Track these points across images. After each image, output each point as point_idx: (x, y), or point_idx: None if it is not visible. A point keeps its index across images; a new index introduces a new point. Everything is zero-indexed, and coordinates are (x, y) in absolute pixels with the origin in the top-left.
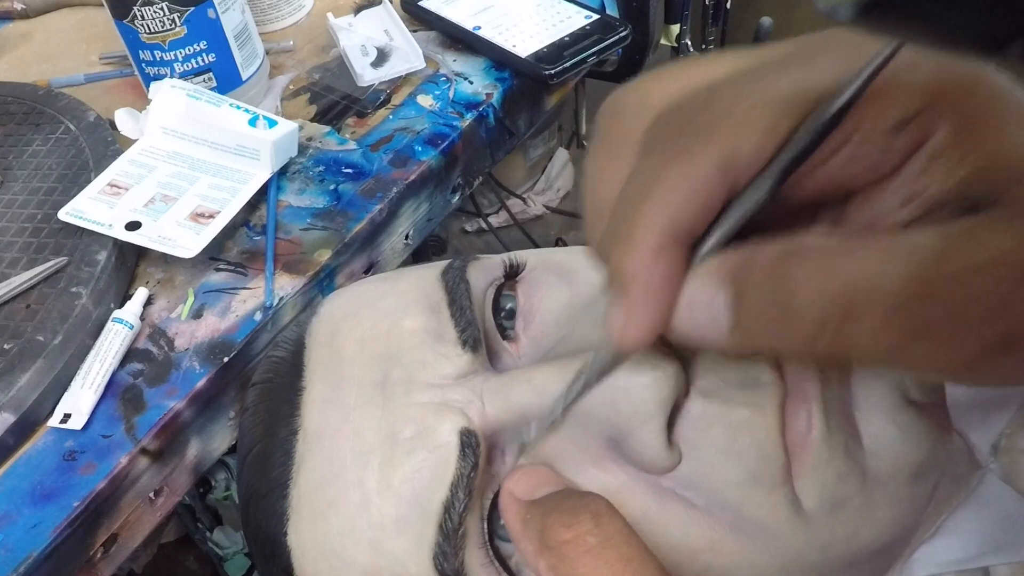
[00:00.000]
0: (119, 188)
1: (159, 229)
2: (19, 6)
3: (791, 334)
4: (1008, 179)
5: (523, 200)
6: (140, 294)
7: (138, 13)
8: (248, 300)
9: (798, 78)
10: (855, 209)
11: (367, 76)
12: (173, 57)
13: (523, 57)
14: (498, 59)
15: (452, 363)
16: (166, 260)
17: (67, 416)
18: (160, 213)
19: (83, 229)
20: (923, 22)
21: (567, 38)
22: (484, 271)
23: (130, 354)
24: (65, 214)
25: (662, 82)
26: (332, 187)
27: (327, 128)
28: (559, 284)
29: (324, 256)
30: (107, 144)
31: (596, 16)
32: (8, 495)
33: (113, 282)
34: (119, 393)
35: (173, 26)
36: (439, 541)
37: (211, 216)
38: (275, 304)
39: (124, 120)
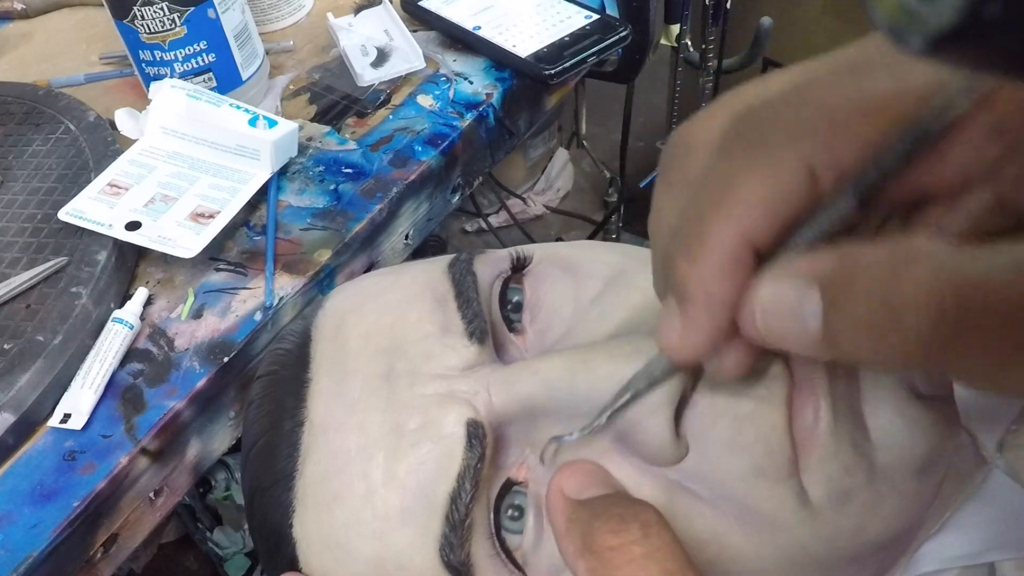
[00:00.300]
0: (119, 188)
1: (159, 229)
2: (19, 6)
3: (897, 346)
4: None
5: (523, 200)
6: (140, 294)
7: (138, 13)
8: (248, 300)
9: (893, 79)
10: (937, 214)
11: (367, 76)
12: (173, 57)
13: (523, 57)
14: (498, 59)
15: (459, 355)
16: (166, 260)
17: (67, 416)
18: (160, 213)
19: (83, 229)
20: (998, 56)
21: (567, 38)
22: (491, 264)
23: (130, 354)
24: (65, 214)
25: (716, 109)
26: (332, 187)
27: (327, 128)
28: (565, 278)
29: (324, 256)
30: (107, 144)
31: (596, 16)
32: (8, 495)
33: (113, 282)
34: (119, 393)
35: (173, 26)
36: (445, 532)
37: (211, 216)
38: (275, 304)
39: (124, 120)
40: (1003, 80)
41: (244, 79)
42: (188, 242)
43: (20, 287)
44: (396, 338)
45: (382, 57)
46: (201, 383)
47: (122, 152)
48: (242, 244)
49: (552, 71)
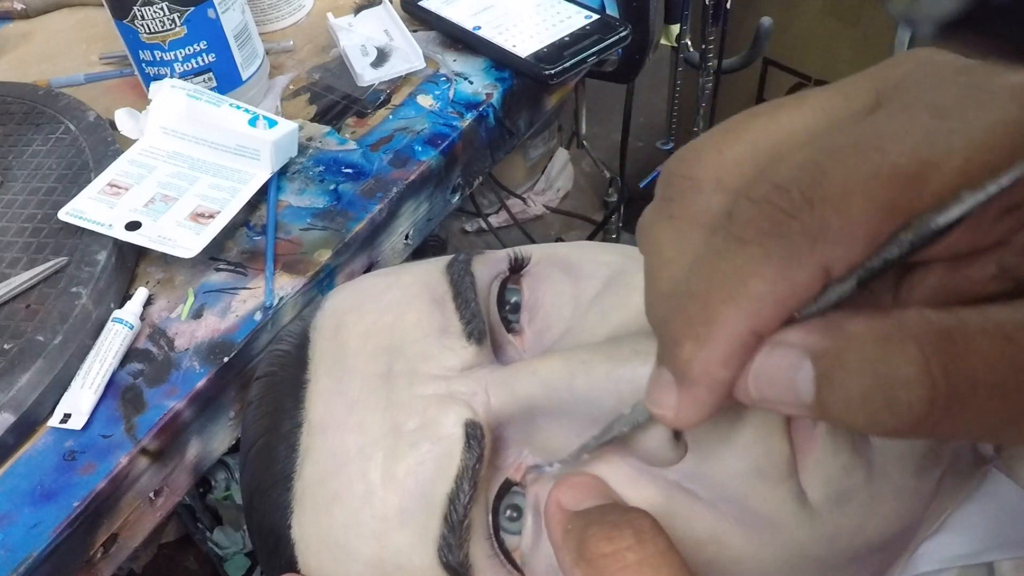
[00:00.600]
0: (119, 188)
1: (159, 229)
2: (19, 6)
3: (890, 420)
4: None
5: (523, 200)
6: (140, 294)
7: (138, 13)
8: (248, 300)
9: (906, 153)
10: (939, 273)
11: (367, 76)
12: (173, 57)
13: (523, 57)
14: (498, 59)
15: (457, 355)
16: (166, 260)
17: (67, 416)
18: (160, 213)
19: (83, 229)
20: (1007, 40)
21: (567, 38)
22: (489, 265)
23: (130, 354)
24: (65, 214)
25: (727, 143)
26: (332, 187)
27: (327, 128)
28: (563, 278)
29: (324, 256)
30: (107, 144)
31: (596, 16)
32: (8, 495)
33: (113, 282)
34: (119, 393)
35: (173, 26)
36: (444, 533)
37: (211, 216)
38: (275, 304)
39: (124, 120)
40: (1013, 66)
41: (244, 79)
42: (188, 242)
43: (20, 287)
44: (395, 338)
45: (382, 57)
46: (201, 383)
47: (122, 152)
48: (242, 244)
49: (552, 71)
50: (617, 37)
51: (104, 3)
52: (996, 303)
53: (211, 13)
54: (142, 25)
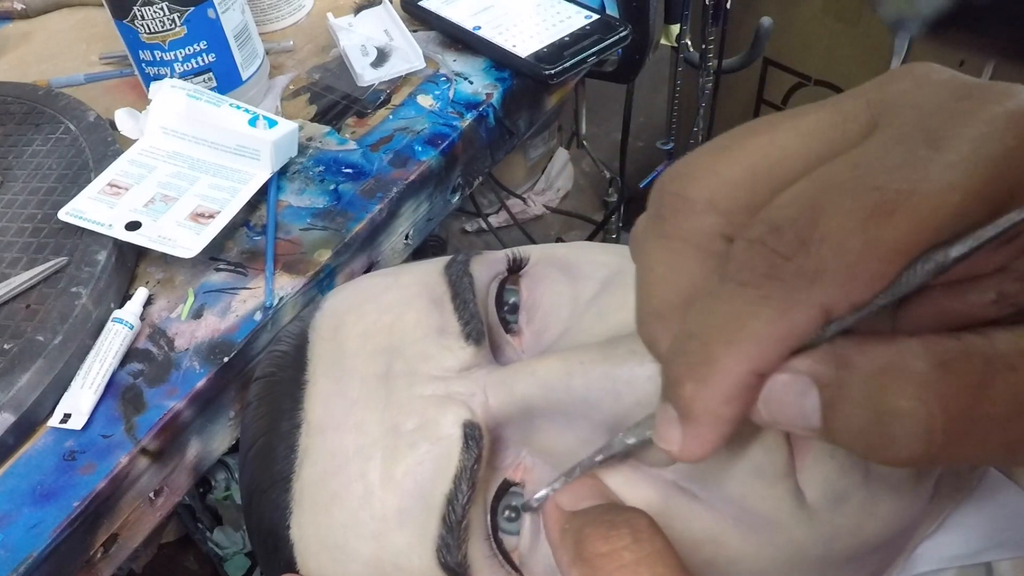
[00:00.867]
0: (119, 188)
1: (159, 229)
2: (19, 6)
3: (888, 452)
4: None
5: (523, 200)
6: (140, 294)
7: (138, 13)
8: (248, 300)
9: (903, 191)
10: (938, 298)
11: (367, 76)
12: (173, 57)
13: (523, 57)
14: (498, 59)
15: (455, 356)
16: (166, 260)
17: (67, 416)
18: (160, 213)
19: (83, 229)
20: (993, 37)
21: (567, 38)
22: (487, 265)
23: (130, 354)
24: (65, 214)
25: (722, 163)
26: (332, 187)
27: (327, 128)
28: (562, 278)
29: (324, 256)
30: (107, 144)
31: (596, 16)
32: (8, 495)
33: (113, 282)
34: (119, 393)
35: (173, 26)
36: (442, 533)
37: (211, 216)
38: (275, 304)
39: (124, 120)
40: (998, 62)
41: (244, 79)
42: (188, 242)
43: (20, 287)
44: (394, 338)
45: (382, 57)
46: (201, 383)
47: (122, 152)
48: (242, 244)
49: (552, 71)
50: (617, 37)
51: (104, 3)
52: (1000, 328)
53: (211, 13)
54: (142, 25)
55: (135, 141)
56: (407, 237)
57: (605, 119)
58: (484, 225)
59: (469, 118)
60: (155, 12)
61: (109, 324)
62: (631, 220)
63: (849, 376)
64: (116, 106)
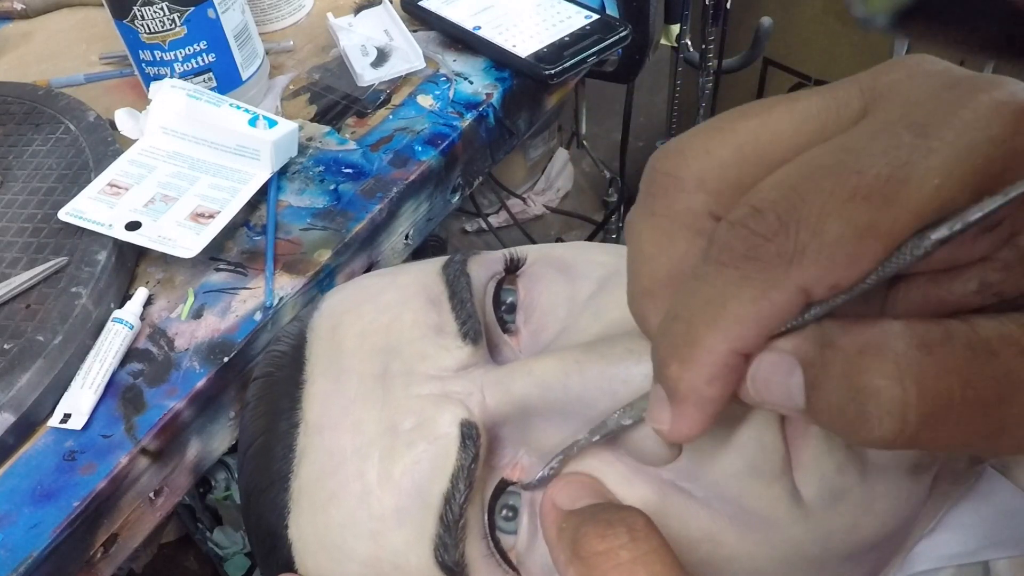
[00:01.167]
0: (119, 188)
1: (159, 229)
2: (19, 6)
3: (866, 434)
4: None
5: (523, 200)
6: (140, 294)
7: (138, 13)
8: (248, 300)
9: (883, 175)
10: (923, 286)
11: (367, 76)
12: (173, 57)
13: (523, 57)
14: (498, 59)
15: (453, 355)
16: (166, 260)
17: (67, 416)
18: (160, 213)
19: (83, 229)
20: (956, 29)
21: (567, 38)
22: (485, 265)
23: (130, 354)
24: (65, 214)
25: (714, 143)
26: (332, 187)
27: (327, 128)
28: (559, 278)
29: (324, 256)
30: (107, 144)
31: (596, 16)
32: (8, 495)
33: (113, 282)
34: (119, 393)
35: (173, 26)
36: (440, 532)
37: (211, 216)
38: (275, 304)
39: (124, 120)
40: (962, 54)
41: (244, 79)
42: (188, 242)
43: (20, 287)
44: (392, 338)
45: (382, 57)
46: (201, 383)
47: (122, 152)
48: (242, 244)
49: (552, 71)
50: (617, 37)
51: (104, 3)
52: (984, 315)
53: (211, 13)
54: (142, 25)
55: (135, 141)
56: (407, 237)
57: (605, 119)
58: (484, 225)
59: (469, 118)
60: (155, 12)
61: (109, 324)
62: None
63: (832, 355)
64: (116, 106)
